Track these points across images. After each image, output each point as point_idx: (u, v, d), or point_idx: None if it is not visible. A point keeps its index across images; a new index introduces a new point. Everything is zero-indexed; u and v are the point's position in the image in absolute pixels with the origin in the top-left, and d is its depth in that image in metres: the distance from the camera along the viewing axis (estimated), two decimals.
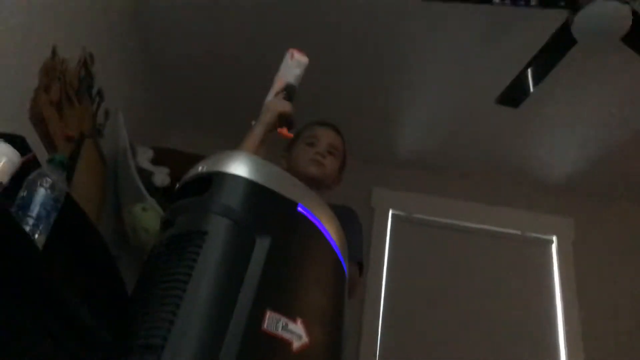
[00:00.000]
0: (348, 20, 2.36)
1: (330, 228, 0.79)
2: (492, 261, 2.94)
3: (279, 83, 1.37)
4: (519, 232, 3.04)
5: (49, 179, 1.22)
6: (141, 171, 2.28)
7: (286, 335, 0.64)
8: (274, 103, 1.34)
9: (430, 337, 2.70)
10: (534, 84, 2.19)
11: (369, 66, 2.60)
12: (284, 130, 1.34)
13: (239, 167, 0.73)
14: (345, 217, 1.47)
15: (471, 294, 2.83)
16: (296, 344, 0.65)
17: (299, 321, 0.66)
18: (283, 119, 1.33)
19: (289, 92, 1.34)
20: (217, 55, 2.60)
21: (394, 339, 2.69)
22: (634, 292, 2.86)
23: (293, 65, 1.38)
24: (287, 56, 1.41)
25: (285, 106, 1.32)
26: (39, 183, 1.21)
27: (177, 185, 0.80)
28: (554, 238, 3.02)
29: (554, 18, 1.98)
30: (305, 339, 0.66)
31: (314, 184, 1.47)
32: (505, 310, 2.79)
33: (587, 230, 3.04)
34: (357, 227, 1.53)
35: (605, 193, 3.12)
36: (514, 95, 2.27)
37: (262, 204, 0.73)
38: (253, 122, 1.34)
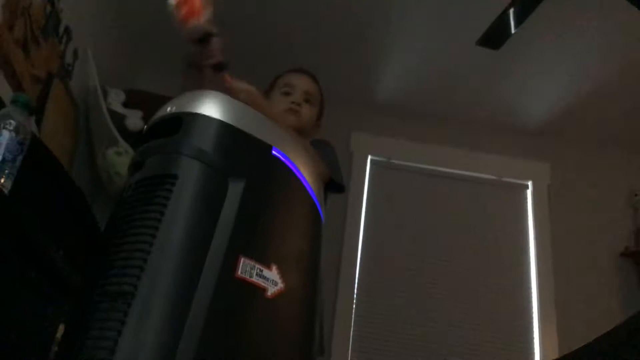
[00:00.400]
0: None
1: (305, 172, 0.77)
2: (470, 205, 2.99)
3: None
4: (495, 177, 3.07)
5: (12, 121, 1.16)
6: (113, 114, 2.20)
7: (261, 282, 0.63)
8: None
9: (407, 278, 2.76)
10: (516, 25, 2.15)
11: (348, 9, 2.51)
12: (226, 77, 1.23)
13: (211, 108, 0.69)
14: (321, 147, 1.46)
15: (448, 238, 2.88)
16: (271, 290, 0.64)
17: (274, 267, 0.65)
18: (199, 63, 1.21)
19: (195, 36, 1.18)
20: None
21: (371, 282, 2.75)
22: (607, 236, 2.95)
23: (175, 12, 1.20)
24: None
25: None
26: (2, 125, 1.16)
27: (145, 126, 0.76)
28: (530, 183, 3.07)
29: None
30: (280, 285, 0.65)
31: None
32: (482, 254, 2.86)
33: (562, 174, 3.08)
34: (330, 151, 1.52)
35: (581, 138, 3.15)
36: (495, 36, 2.22)
37: (235, 147, 0.69)
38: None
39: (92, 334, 0.56)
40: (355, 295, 2.68)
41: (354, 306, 2.66)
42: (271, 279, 0.64)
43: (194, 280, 0.58)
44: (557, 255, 2.86)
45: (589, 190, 3.06)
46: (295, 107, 1.52)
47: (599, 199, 3.04)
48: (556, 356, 2.52)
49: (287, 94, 1.55)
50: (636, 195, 3.01)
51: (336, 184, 1.42)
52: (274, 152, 0.72)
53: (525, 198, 3.05)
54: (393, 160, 3.05)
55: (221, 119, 0.69)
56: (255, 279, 0.63)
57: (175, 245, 0.60)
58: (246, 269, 0.62)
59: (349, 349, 2.56)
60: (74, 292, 1.01)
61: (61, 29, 2.00)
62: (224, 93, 0.76)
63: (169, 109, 0.72)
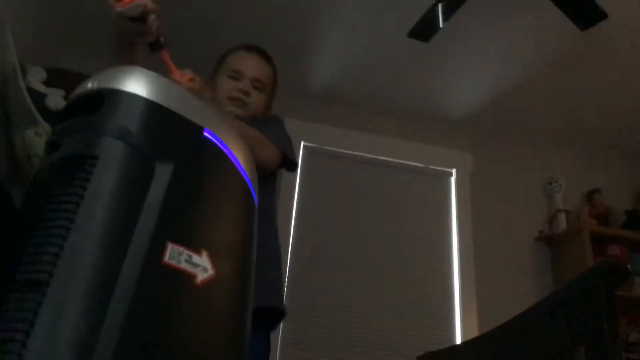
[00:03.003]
0: None
1: (239, 155, 0.74)
2: (398, 192, 3.06)
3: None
4: (422, 165, 3.16)
5: None
6: (33, 93, 2.05)
7: (189, 268, 0.60)
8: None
9: (336, 262, 2.80)
10: (444, 19, 2.21)
11: None
12: (165, 57, 1.18)
13: (136, 85, 0.64)
14: (270, 123, 1.44)
15: (377, 223, 2.94)
16: (201, 277, 0.61)
17: (204, 253, 0.62)
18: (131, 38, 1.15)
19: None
20: None
21: (303, 266, 2.76)
22: (523, 221, 3.12)
23: None
24: None
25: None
26: None
27: (64, 104, 0.70)
28: (454, 170, 3.18)
29: None
30: (211, 271, 0.62)
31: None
32: (409, 237, 2.95)
33: (484, 163, 3.23)
34: (281, 128, 1.49)
35: (502, 129, 3.31)
36: (424, 29, 2.28)
37: (163, 127, 0.65)
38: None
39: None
40: (286, 281, 2.68)
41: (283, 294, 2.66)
42: (202, 265, 0.61)
43: (116, 268, 0.54)
44: (478, 239, 3.00)
45: (508, 178, 3.23)
46: (240, 97, 1.43)
47: (517, 186, 3.21)
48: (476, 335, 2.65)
49: (234, 78, 1.46)
50: (550, 183, 3.20)
51: (290, 161, 1.40)
52: (205, 133, 0.69)
53: (450, 185, 3.17)
54: (325, 147, 3.06)
55: (148, 97, 0.64)
56: (183, 265, 0.59)
57: (95, 230, 0.55)
58: (174, 255, 0.59)
59: (278, 336, 2.56)
60: None
61: None
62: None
63: (90, 84, 0.66)
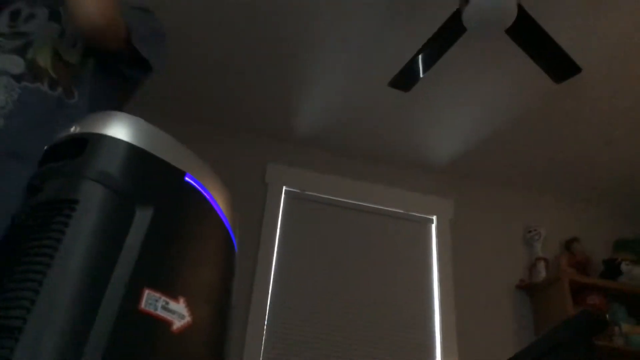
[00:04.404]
0: None
1: (220, 201, 0.74)
2: (378, 237, 3.07)
3: None
4: (402, 211, 3.18)
5: None
6: None
7: (166, 315, 0.59)
8: None
9: (317, 306, 2.76)
10: (424, 69, 2.28)
11: (267, 41, 2.54)
12: None
13: (119, 129, 0.65)
14: (141, 10, 1.16)
15: (359, 269, 2.93)
16: (177, 324, 0.60)
17: (181, 300, 0.61)
18: None
19: None
20: None
21: (282, 315, 2.71)
22: (504, 269, 3.13)
23: None
24: None
25: None
26: None
27: (46, 147, 0.70)
28: (434, 217, 3.21)
29: (446, 7, 2.07)
30: (187, 318, 0.62)
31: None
32: (390, 283, 2.93)
33: (465, 210, 3.26)
34: (153, 20, 1.17)
35: (484, 176, 3.36)
36: (405, 79, 2.35)
37: (145, 171, 0.65)
38: None
39: None
40: (265, 326, 2.63)
41: (264, 336, 2.61)
42: (178, 312, 0.60)
43: (91, 314, 0.53)
44: (459, 287, 2.99)
45: (488, 225, 3.26)
46: None
47: (497, 233, 3.24)
48: None
49: None
50: (530, 231, 3.23)
51: (138, 55, 1.05)
52: (187, 178, 0.69)
53: (430, 232, 3.18)
54: (307, 192, 3.07)
55: (131, 142, 0.64)
56: (160, 312, 0.58)
57: (72, 275, 0.54)
58: (150, 301, 0.58)
59: None
60: None
61: None
62: None
63: (72, 129, 0.67)
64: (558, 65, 2.15)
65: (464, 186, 3.35)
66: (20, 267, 0.56)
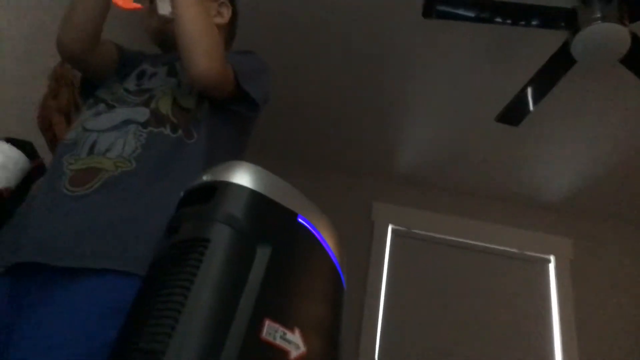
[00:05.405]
0: (349, 35, 2.40)
1: (329, 239, 0.80)
2: (490, 278, 2.95)
3: None
4: (517, 251, 3.05)
5: None
6: None
7: (284, 345, 0.65)
8: None
9: (427, 352, 2.70)
10: (534, 103, 2.22)
11: (370, 80, 2.63)
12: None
13: (243, 177, 0.74)
14: (243, 53, 1.28)
15: (469, 310, 2.83)
16: (294, 354, 0.66)
17: (297, 331, 0.67)
18: None
19: None
20: None
21: (392, 352, 2.69)
22: (631, 315, 2.86)
23: None
24: None
25: None
26: None
27: (182, 193, 0.82)
28: (552, 257, 3.03)
29: (554, 38, 2.02)
30: (302, 348, 0.67)
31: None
32: (503, 328, 2.80)
33: (586, 250, 3.05)
34: (251, 56, 1.28)
35: (604, 213, 3.14)
36: (514, 113, 2.30)
37: (264, 214, 0.74)
38: None
39: None
40: None
41: None
42: (294, 342, 0.66)
43: (222, 340, 0.61)
44: (581, 331, 2.78)
45: (612, 264, 3.01)
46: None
47: (620, 274, 2.99)
48: None
49: None
50: None
51: (244, 92, 1.15)
52: (299, 219, 0.77)
53: (548, 272, 3.01)
54: (414, 230, 3.06)
55: (252, 188, 0.74)
56: (279, 342, 0.65)
57: (205, 306, 0.63)
58: (271, 331, 0.65)
59: None
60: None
61: None
62: None
63: (204, 177, 0.78)
64: None
65: (583, 224, 3.15)
66: (162, 298, 0.65)
